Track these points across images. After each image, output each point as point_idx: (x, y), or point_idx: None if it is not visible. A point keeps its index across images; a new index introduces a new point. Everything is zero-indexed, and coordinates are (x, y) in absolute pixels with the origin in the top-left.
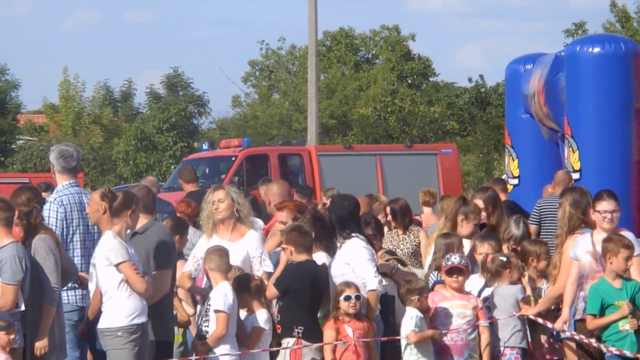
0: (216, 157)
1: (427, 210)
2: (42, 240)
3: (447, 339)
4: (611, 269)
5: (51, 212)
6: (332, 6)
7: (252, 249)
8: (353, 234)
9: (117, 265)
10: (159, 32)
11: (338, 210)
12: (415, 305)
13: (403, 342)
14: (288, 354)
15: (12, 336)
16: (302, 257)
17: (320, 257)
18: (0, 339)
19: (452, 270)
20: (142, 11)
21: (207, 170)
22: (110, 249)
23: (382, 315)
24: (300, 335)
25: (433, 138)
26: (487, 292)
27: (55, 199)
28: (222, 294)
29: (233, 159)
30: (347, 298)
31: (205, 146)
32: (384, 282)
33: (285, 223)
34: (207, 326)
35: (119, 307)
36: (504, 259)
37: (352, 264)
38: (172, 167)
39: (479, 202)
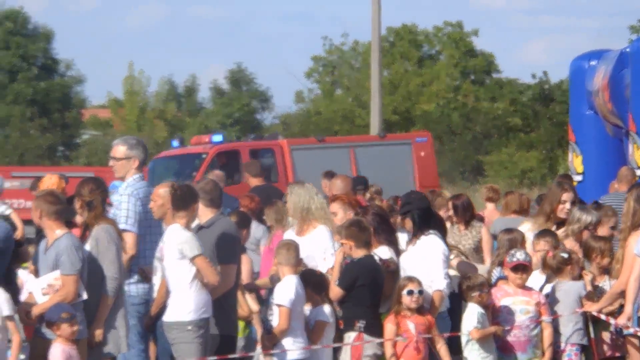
0: (187, 154)
1: (490, 206)
2: (104, 230)
3: (510, 336)
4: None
5: (130, 204)
6: (395, 2)
7: (318, 244)
8: (432, 231)
9: (192, 259)
10: (222, 28)
11: (420, 205)
12: (477, 300)
13: (464, 338)
14: (349, 349)
15: (75, 327)
16: (361, 253)
17: (383, 251)
18: (64, 330)
19: (517, 267)
20: (206, 6)
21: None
22: (184, 242)
23: (451, 313)
24: (362, 329)
25: (496, 134)
26: (547, 288)
27: (132, 193)
28: (285, 288)
29: (204, 156)
30: (410, 292)
31: (175, 143)
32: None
33: (336, 214)
34: (272, 320)
35: (190, 302)
36: (566, 255)
37: (426, 260)
38: None
39: (571, 195)
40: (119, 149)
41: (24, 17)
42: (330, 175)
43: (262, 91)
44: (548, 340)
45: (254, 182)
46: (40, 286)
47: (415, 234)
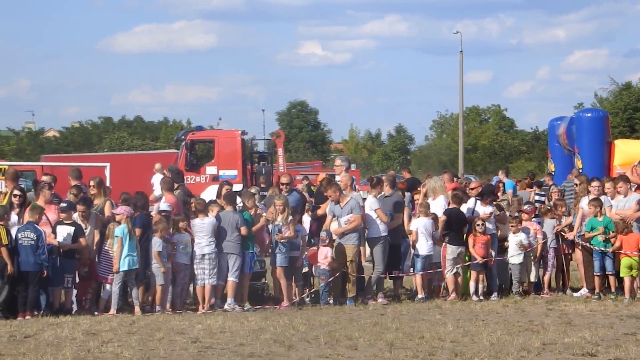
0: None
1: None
2: (354, 197)
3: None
4: (593, 212)
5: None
6: (468, 91)
7: (440, 204)
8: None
9: (375, 210)
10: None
11: (488, 187)
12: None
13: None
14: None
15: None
16: (453, 205)
17: (466, 206)
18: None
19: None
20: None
21: None
22: (373, 202)
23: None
24: (446, 242)
25: (514, 154)
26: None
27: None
28: (420, 221)
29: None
30: (478, 225)
31: None
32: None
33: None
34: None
35: (377, 227)
36: (549, 207)
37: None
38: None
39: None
40: (338, 162)
41: (304, 103)
42: (445, 173)
43: (409, 135)
44: (540, 246)
45: (407, 175)
46: (344, 221)
47: (484, 200)
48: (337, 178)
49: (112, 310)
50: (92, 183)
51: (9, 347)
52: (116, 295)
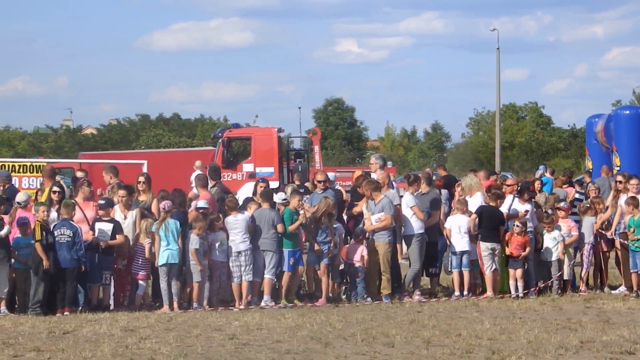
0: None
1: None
2: (390, 195)
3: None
4: (630, 210)
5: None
6: (505, 89)
7: (476, 200)
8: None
9: (411, 207)
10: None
11: (525, 184)
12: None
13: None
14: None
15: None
16: (492, 203)
17: (504, 204)
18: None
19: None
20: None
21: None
22: (409, 200)
23: None
24: (480, 239)
25: (551, 151)
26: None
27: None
28: (456, 218)
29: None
30: (516, 225)
31: None
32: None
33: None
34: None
35: (412, 225)
36: (588, 205)
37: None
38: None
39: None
40: (372, 159)
41: (340, 100)
42: (474, 172)
43: (446, 132)
44: (573, 238)
45: (443, 173)
46: (374, 219)
47: (522, 197)
48: (373, 175)
49: (165, 307)
50: (141, 179)
51: (48, 343)
52: (165, 292)
